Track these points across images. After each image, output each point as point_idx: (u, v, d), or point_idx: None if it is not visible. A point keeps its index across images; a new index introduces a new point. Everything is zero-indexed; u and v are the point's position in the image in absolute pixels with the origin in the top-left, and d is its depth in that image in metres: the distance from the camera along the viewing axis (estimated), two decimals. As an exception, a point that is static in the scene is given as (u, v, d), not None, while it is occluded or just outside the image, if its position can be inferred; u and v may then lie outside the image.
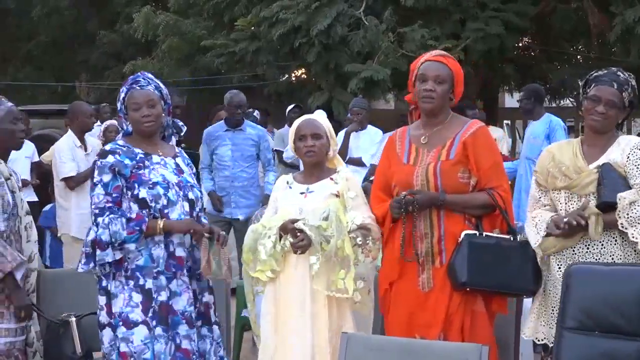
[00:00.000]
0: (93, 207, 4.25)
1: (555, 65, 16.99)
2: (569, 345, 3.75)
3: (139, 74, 4.39)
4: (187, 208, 4.26)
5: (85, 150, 7.58)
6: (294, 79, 16.45)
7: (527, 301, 4.51)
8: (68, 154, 7.48)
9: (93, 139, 8.24)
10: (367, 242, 4.31)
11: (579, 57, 17.40)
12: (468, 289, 4.05)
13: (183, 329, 4.23)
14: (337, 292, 4.25)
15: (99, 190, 4.24)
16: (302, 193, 4.45)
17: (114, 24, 20.49)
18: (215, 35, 15.07)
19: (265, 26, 13.70)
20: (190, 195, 4.29)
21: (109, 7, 21.09)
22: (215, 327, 4.44)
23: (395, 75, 13.00)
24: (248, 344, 6.60)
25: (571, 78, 15.66)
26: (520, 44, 16.78)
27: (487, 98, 16.02)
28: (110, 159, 4.27)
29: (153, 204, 4.21)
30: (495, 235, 4.10)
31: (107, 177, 4.24)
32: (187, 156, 4.53)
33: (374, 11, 13.44)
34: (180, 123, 4.58)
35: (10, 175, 4.44)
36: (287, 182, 4.54)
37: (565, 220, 3.92)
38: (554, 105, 18.87)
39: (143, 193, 4.20)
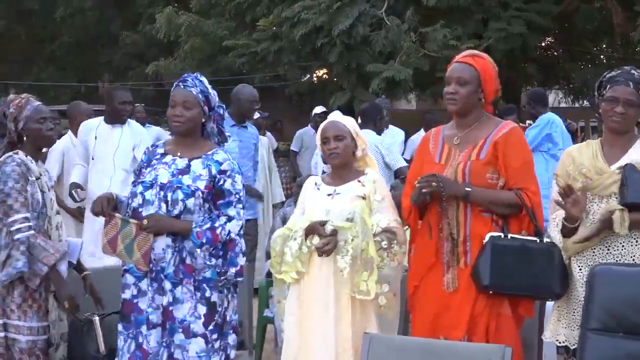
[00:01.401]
0: None
1: (578, 65, 16.93)
2: (593, 347, 3.73)
3: (192, 74, 4.37)
4: (164, 209, 4.19)
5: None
6: (315, 79, 16.48)
7: (549, 303, 4.48)
8: (56, 156, 7.37)
9: None
10: (392, 245, 4.30)
11: (602, 56, 17.32)
12: (491, 292, 4.02)
13: (144, 328, 4.21)
14: (358, 293, 4.25)
15: None
16: (329, 194, 4.45)
17: (137, 25, 20.58)
18: (237, 35, 15.11)
19: (287, 26, 13.73)
20: (169, 197, 4.20)
21: (131, 7, 21.18)
22: (196, 339, 4.19)
23: (417, 75, 13.01)
24: (270, 345, 6.60)
25: (594, 78, 15.54)
26: (543, 44, 16.73)
27: (510, 98, 15.97)
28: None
29: (130, 201, 4.28)
30: (520, 237, 4.04)
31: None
32: (219, 159, 4.30)
33: (396, 11, 13.44)
34: (228, 133, 4.50)
35: (41, 174, 4.49)
36: (316, 184, 4.55)
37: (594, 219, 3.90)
38: (576, 105, 18.80)
39: (128, 190, 4.34)
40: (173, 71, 15.88)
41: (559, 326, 4.12)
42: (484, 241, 4.01)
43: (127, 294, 4.25)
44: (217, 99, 4.38)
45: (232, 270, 4.21)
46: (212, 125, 4.37)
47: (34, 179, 4.42)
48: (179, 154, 4.32)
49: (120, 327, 4.27)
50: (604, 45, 17.39)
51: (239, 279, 4.29)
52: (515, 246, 3.99)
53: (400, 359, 3.66)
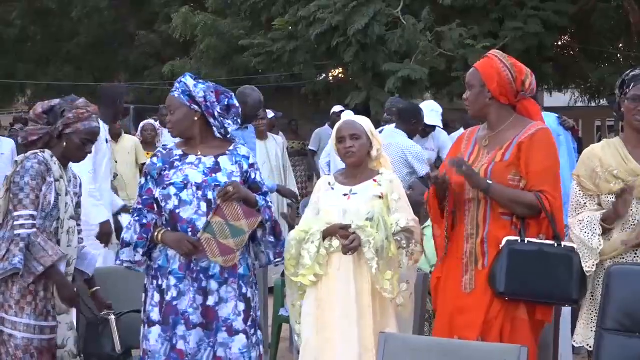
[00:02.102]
0: None
1: (594, 65, 16.84)
2: (609, 347, 3.71)
3: (179, 78, 4.42)
4: (204, 208, 4.20)
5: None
6: (331, 78, 16.48)
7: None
8: None
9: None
10: (410, 245, 4.30)
11: (618, 55, 17.24)
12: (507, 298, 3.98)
13: (181, 329, 4.21)
14: (383, 291, 4.25)
15: (138, 192, 4.43)
16: (345, 195, 4.42)
17: (153, 24, 20.66)
18: (252, 35, 15.15)
19: (303, 26, 13.76)
20: (210, 196, 4.22)
21: (147, 7, 21.26)
22: (238, 336, 4.26)
23: (433, 74, 12.99)
24: (285, 344, 6.61)
25: (611, 77, 15.50)
26: (559, 43, 16.66)
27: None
28: (148, 162, 4.44)
29: (163, 204, 4.26)
30: (538, 241, 3.96)
31: (142, 180, 4.43)
32: (244, 154, 4.38)
33: (412, 10, 13.44)
34: (227, 122, 4.40)
35: (61, 177, 4.49)
36: (329, 183, 4.53)
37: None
38: (593, 104, 18.72)
39: (157, 193, 4.30)
40: (189, 71, 15.91)
41: (588, 330, 4.06)
42: (501, 245, 3.98)
43: (168, 296, 4.24)
44: (203, 93, 4.32)
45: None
46: (213, 120, 4.34)
47: (52, 180, 4.43)
48: (199, 152, 4.34)
49: (159, 329, 4.24)
50: (621, 45, 17.30)
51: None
52: (532, 251, 3.92)
53: (416, 358, 3.65)
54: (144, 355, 4.31)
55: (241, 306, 4.28)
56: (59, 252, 4.37)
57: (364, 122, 4.52)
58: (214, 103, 4.33)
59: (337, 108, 11.95)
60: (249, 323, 4.30)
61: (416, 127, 7.64)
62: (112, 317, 4.59)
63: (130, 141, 9.22)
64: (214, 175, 4.26)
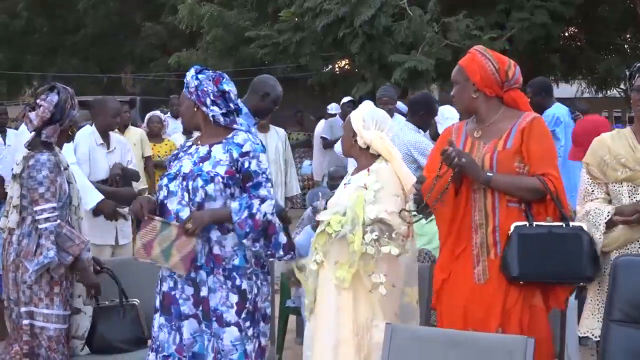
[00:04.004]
0: None
1: (601, 55, 16.80)
2: (615, 337, 3.71)
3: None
4: (187, 199, 4.20)
5: (108, 147, 6.53)
6: (337, 69, 16.48)
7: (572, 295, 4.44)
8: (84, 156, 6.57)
9: (117, 135, 7.11)
10: (385, 237, 4.27)
11: (626, 46, 17.20)
12: (522, 283, 3.98)
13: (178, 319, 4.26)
14: (335, 279, 4.32)
15: None
16: (344, 184, 4.54)
17: (159, 16, 20.67)
18: (259, 26, 15.15)
19: (309, 17, 13.75)
20: (190, 185, 4.20)
21: (153, -2, 21.27)
22: (230, 328, 4.22)
23: (440, 65, 12.96)
24: (292, 335, 6.62)
25: (618, 68, 15.47)
26: (566, 34, 16.63)
27: (533, 89, 15.86)
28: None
29: (157, 195, 4.31)
30: (546, 224, 3.96)
31: None
32: (239, 141, 4.26)
33: (418, 1, 13.42)
34: (212, 108, 4.30)
35: (68, 165, 4.59)
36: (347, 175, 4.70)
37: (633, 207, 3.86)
38: (600, 95, 18.69)
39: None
40: (195, 62, 15.93)
41: (594, 320, 4.07)
42: (509, 232, 3.98)
43: (165, 287, 4.26)
44: (196, 82, 4.29)
45: (280, 252, 4.34)
46: (205, 109, 4.30)
47: (63, 169, 4.52)
48: (199, 142, 4.35)
49: (162, 319, 4.26)
50: (628, 35, 17.27)
51: (288, 256, 4.40)
52: (542, 233, 3.92)
53: (422, 349, 3.65)
54: (152, 342, 4.36)
55: (233, 298, 4.21)
56: (84, 239, 4.51)
57: (353, 114, 4.58)
58: (206, 91, 4.28)
59: (346, 99, 11.92)
60: (243, 315, 4.24)
61: (426, 119, 7.36)
62: (138, 301, 4.66)
63: (136, 134, 9.20)
64: (201, 164, 4.23)
